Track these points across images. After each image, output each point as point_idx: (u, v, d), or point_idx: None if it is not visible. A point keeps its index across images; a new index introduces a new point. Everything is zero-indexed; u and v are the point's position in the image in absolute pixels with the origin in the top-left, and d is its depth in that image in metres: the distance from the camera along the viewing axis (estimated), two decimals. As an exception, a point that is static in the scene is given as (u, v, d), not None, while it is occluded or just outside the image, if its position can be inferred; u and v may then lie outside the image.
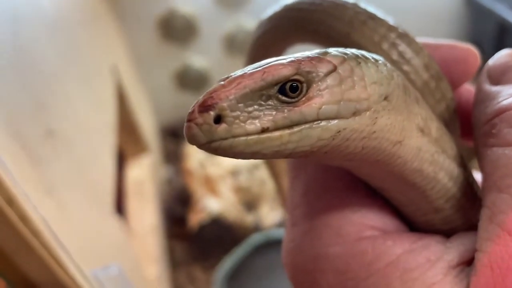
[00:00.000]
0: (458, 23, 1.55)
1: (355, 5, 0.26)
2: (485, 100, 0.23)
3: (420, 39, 0.26)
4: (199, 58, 1.51)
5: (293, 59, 0.19)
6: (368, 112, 0.19)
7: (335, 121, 0.19)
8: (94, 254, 0.56)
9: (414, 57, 0.25)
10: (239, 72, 0.19)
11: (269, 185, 1.18)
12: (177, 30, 1.43)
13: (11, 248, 0.38)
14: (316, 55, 0.19)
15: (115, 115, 0.93)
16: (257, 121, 0.18)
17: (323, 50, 0.20)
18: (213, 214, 1.13)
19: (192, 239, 1.16)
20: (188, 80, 1.52)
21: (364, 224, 0.23)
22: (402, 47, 0.25)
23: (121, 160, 1.16)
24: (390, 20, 0.26)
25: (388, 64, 0.21)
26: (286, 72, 0.18)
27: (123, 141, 1.15)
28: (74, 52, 0.79)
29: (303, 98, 0.18)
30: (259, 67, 0.19)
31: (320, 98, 0.19)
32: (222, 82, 0.19)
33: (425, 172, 0.22)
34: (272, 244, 1.06)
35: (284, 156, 0.19)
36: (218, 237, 1.14)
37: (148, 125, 1.37)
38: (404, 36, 0.25)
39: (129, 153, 1.22)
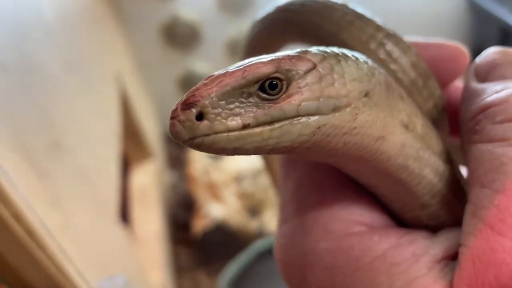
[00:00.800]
0: (460, 28, 1.55)
1: (343, 6, 0.27)
2: (471, 97, 0.23)
3: (409, 38, 0.27)
4: (202, 64, 1.51)
5: (273, 57, 0.20)
6: (348, 108, 0.20)
7: (315, 117, 0.19)
8: (100, 264, 0.57)
9: (402, 56, 0.26)
10: (221, 71, 0.20)
11: (273, 191, 1.19)
12: (180, 36, 1.44)
13: (18, 262, 0.39)
14: (297, 54, 0.20)
15: (120, 122, 0.94)
16: (238, 117, 0.19)
17: (304, 49, 0.21)
18: (217, 220, 1.13)
19: (196, 245, 1.17)
20: (192, 85, 1.50)
21: (352, 220, 0.24)
22: (390, 46, 0.26)
23: (125, 166, 1.16)
24: (378, 20, 0.26)
25: (370, 62, 0.22)
26: (266, 70, 0.19)
27: (127, 147, 1.16)
28: (78, 62, 0.79)
29: (283, 95, 0.19)
30: (241, 65, 0.20)
31: (299, 95, 0.19)
32: (205, 81, 0.19)
33: (410, 168, 0.22)
34: (276, 250, 1.06)
35: (266, 152, 0.19)
36: (222, 242, 1.15)
37: (152, 131, 1.37)
38: (392, 36, 0.26)
39: (133, 159, 1.22)
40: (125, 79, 1.15)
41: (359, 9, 0.27)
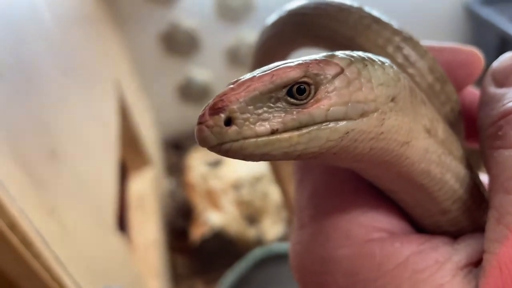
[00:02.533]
0: (458, 36, 1.55)
1: (359, 10, 0.27)
2: (490, 102, 0.23)
3: (424, 42, 0.27)
4: (201, 71, 1.51)
5: (301, 62, 0.19)
6: (375, 113, 0.20)
7: (344, 122, 0.19)
8: (97, 273, 0.56)
9: (419, 60, 0.26)
10: (248, 76, 0.20)
11: (272, 199, 1.18)
12: (179, 43, 1.44)
13: (14, 272, 0.39)
14: (324, 58, 0.20)
15: (118, 130, 0.93)
16: (266, 123, 0.18)
17: (330, 53, 0.21)
18: (215, 228, 1.13)
19: (194, 252, 1.16)
20: (191, 93, 1.53)
21: (372, 226, 0.23)
22: (407, 50, 0.26)
23: (123, 173, 1.16)
24: (395, 24, 0.26)
25: (394, 66, 0.22)
26: (295, 74, 0.19)
27: (125, 155, 1.16)
28: (77, 69, 0.79)
29: (312, 100, 0.19)
30: (268, 70, 0.19)
31: (328, 100, 0.19)
32: (232, 86, 0.19)
33: (432, 173, 0.22)
34: (274, 258, 1.06)
35: (293, 158, 0.19)
36: (220, 251, 1.14)
37: (150, 138, 1.37)
38: (409, 40, 0.26)
39: (131, 166, 1.22)
40: (124, 86, 1.14)
41: (375, 13, 0.27)
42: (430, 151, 0.22)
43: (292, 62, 0.20)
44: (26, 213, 0.39)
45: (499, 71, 0.24)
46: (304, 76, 0.19)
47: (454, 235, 0.24)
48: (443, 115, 0.26)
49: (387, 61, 0.22)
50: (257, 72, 0.20)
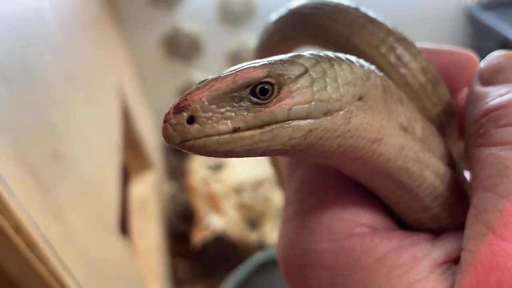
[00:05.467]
0: (458, 41, 1.56)
1: (356, 10, 0.27)
2: (475, 100, 0.23)
3: (420, 44, 0.27)
4: (203, 75, 1.52)
5: (265, 62, 0.20)
6: (341, 112, 0.20)
7: (307, 121, 0.19)
8: (99, 277, 0.56)
9: (412, 61, 0.26)
10: (215, 76, 0.20)
11: (273, 203, 1.18)
12: (181, 47, 1.45)
13: (19, 275, 0.39)
14: (289, 58, 0.20)
15: (120, 134, 0.94)
16: (228, 121, 0.19)
17: (297, 53, 0.21)
18: (216, 232, 1.13)
19: (196, 256, 1.16)
20: (192, 97, 1.53)
21: (354, 221, 0.24)
22: (400, 50, 0.26)
23: (125, 177, 1.16)
24: (390, 25, 0.27)
25: (367, 66, 0.22)
26: (257, 74, 0.19)
27: (127, 158, 1.16)
28: (81, 74, 0.80)
29: (274, 100, 0.19)
30: (233, 70, 0.20)
31: (290, 99, 0.19)
32: (198, 85, 0.20)
33: (411, 170, 0.23)
34: (276, 262, 1.05)
35: (258, 155, 0.20)
36: (221, 255, 1.14)
37: (152, 141, 1.37)
38: (402, 40, 0.26)
39: (133, 170, 1.22)
40: (126, 90, 1.15)
41: (371, 13, 0.27)
42: (406, 148, 0.22)
43: (258, 62, 0.20)
44: (31, 215, 0.39)
45: (486, 70, 0.25)
46: (267, 76, 0.19)
47: (437, 232, 0.24)
48: (435, 116, 0.26)
49: (358, 60, 0.22)
50: (224, 72, 0.20)
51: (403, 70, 0.26)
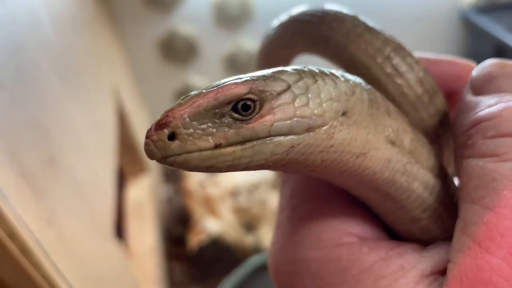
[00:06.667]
0: (454, 44, 1.56)
1: (354, 18, 0.27)
2: (465, 110, 0.23)
3: (420, 54, 0.27)
4: (199, 78, 1.52)
5: (248, 78, 0.20)
6: (323, 128, 0.20)
7: (289, 137, 0.19)
8: (94, 281, 0.56)
9: (408, 71, 0.26)
10: (197, 92, 0.20)
11: (269, 206, 1.18)
12: (177, 51, 1.45)
13: (13, 281, 0.38)
14: (272, 74, 0.20)
15: (116, 137, 0.93)
16: (210, 137, 0.19)
17: (281, 68, 0.21)
18: (212, 235, 1.13)
19: (192, 260, 1.16)
20: (188, 100, 1.53)
21: (343, 230, 0.23)
22: (396, 60, 0.26)
23: (121, 180, 1.16)
24: (387, 34, 0.27)
25: (352, 80, 0.22)
26: (239, 91, 0.19)
27: (123, 162, 1.16)
28: (76, 78, 0.79)
29: (256, 116, 0.19)
30: (216, 86, 0.20)
31: (272, 116, 0.19)
32: (180, 101, 0.20)
33: (398, 182, 0.23)
34: (272, 266, 1.06)
35: (240, 170, 0.20)
36: (217, 258, 1.14)
37: (148, 144, 1.37)
38: (400, 50, 0.26)
39: (128, 173, 1.22)
40: (122, 93, 1.15)
41: (369, 22, 0.27)
42: (393, 161, 0.22)
43: (240, 78, 0.20)
44: (25, 221, 0.39)
45: (477, 78, 0.24)
46: (249, 93, 0.19)
47: (427, 242, 0.24)
48: (431, 127, 0.26)
49: (343, 74, 0.22)
50: (207, 87, 0.20)
51: (399, 80, 0.26)
